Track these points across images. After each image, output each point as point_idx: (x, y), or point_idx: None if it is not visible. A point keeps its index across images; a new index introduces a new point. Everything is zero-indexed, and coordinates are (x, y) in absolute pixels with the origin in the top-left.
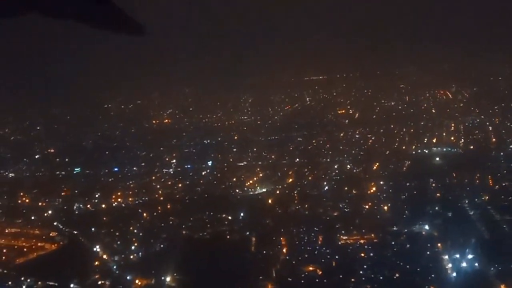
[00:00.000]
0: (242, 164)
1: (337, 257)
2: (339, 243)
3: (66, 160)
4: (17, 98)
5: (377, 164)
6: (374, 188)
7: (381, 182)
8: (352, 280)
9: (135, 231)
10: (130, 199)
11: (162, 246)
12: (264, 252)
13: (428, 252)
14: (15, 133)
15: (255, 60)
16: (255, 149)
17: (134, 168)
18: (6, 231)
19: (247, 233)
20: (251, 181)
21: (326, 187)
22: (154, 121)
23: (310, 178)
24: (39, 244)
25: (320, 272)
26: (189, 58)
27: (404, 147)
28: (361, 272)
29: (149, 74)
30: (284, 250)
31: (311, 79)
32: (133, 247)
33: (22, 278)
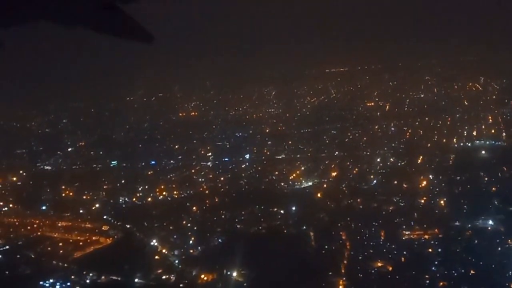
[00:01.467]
0: (280, 157)
1: (404, 252)
2: (403, 238)
3: (101, 153)
4: (38, 92)
5: (421, 157)
6: (425, 182)
7: (431, 176)
8: (426, 276)
9: (188, 225)
10: (175, 192)
11: (220, 240)
12: (326, 247)
13: (499, 248)
14: (42, 126)
15: (273, 53)
16: (290, 142)
17: (172, 161)
18: (59, 224)
19: (304, 227)
20: (294, 175)
21: (375, 181)
22: (180, 114)
23: (354, 171)
24: (93, 238)
25: (390, 268)
26: (208, 52)
27: (444, 140)
28: (433, 268)
29: (168, 68)
30: (347, 245)
31: (332, 71)
32: (191, 241)
33: (84, 272)
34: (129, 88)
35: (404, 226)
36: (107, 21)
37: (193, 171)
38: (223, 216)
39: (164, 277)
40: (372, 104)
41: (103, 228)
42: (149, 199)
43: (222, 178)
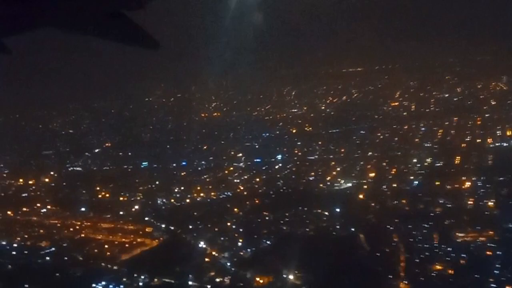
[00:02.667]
0: (313, 158)
1: (463, 255)
2: (457, 240)
3: (129, 154)
4: (56, 93)
5: (458, 158)
6: (468, 183)
7: (474, 177)
8: (491, 280)
9: (233, 226)
10: (212, 193)
11: (268, 242)
12: (380, 249)
13: None
14: (64, 127)
15: (286, 52)
16: (319, 143)
17: (203, 162)
18: (101, 226)
19: (352, 229)
20: (331, 176)
21: (416, 182)
22: (202, 115)
23: (392, 172)
24: (138, 239)
25: (451, 271)
26: (221, 52)
27: (479, 140)
28: (496, 271)
29: (183, 68)
30: (401, 248)
31: (349, 71)
32: (239, 243)
33: (135, 275)
34: (146, 89)
35: (456, 228)
36: (113, 28)
37: (226, 172)
38: (267, 218)
39: (218, 279)
40: (397, 104)
41: (146, 230)
42: (187, 200)
43: (257, 179)
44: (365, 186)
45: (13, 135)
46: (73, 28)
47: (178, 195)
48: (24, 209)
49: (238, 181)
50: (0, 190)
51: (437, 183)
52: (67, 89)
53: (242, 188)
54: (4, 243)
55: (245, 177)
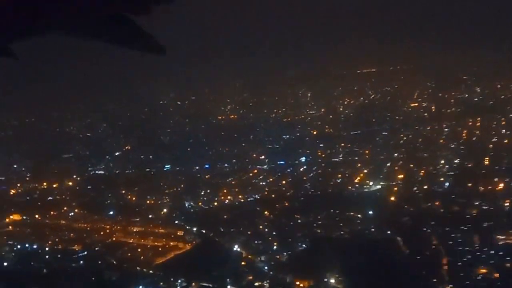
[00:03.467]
0: (338, 159)
1: (507, 258)
2: (499, 243)
3: (150, 157)
4: (68, 97)
5: (487, 158)
6: (502, 185)
7: (506, 179)
8: None
9: (266, 230)
10: (240, 196)
11: (304, 245)
12: (420, 252)
13: None
14: (81, 131)
15: (297, 53)
16: (342, 144)
17: (226, 165)
18: (133, 229)
19: (388, 232)
20: (358, 178)
21: (447, 183)
22: (219, 117)
23: (421, 173)
24: (171, 243)
25: (497, 275)
26: (232, 54)
27: (506, 141)
28: None
29: (194, 71)
30: (442, 251)
31: (363, 72)
32: (274, 247)
33: (172, 279)
34: (159, 92)
35: (496, 231)
36: (118, 33)
37: (251, 174)
38: (299, 221)
39: (256, 283)
40: (416, 104)
41: (178, 234)
42: (215, 203)
43: (283, 182)
44: (395, 188)
45: (30, 138)
46: (79, 33)
47: (205, 198)
48: (52, 212)
49: (264, 183)
50: (25, 193)
51: (469, 184)
52: (79, 93)
53: (269, 190)
54: (35, 246)
55: (271, 179)
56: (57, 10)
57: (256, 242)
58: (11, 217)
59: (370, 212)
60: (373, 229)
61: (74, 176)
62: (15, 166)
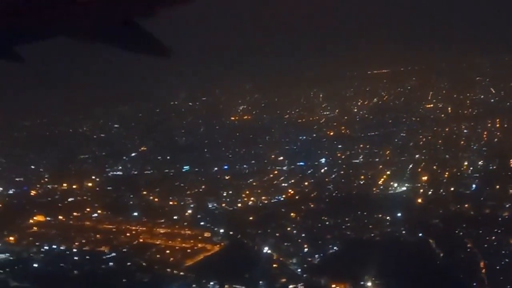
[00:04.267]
0: (358, 161)
1: None
2: None
3: (168, 158)
4: (77, 98)
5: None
6: None
7: None
8: None
9: (294, 231)
10: (263, 197)
11: (335, 248)
12: (455, 255)
13: None
14: (95, 132)
15: (308, 54)
16: (361, 145)
17: (245, 166)
18: (159, 231)
19: (420, 234)
20: (382, 179)
21: (474, 185)
22: (232, 118)
23: (445, 175)
24: (199, 245)
25: None
26: (242, 55)
27: None
28: None
29: (204, 72)
30: (479, 254)
31: (374, 73)
32: (305, 249)
33: (204, 281)
34: (171, 93)
35: None
36: (125, 36)
37: (271, 175)
38: (327, 223)
39: (290, 286)
40: (432, 106)
41: (205, 235)
42: (239, 204)
43: (306, 183)
44: (421, 190)
45: (44, 139)
46: (85, 36)
47: (228, 200)
48: (75, 213)
49: (286, 185)
50: (45, 194)
51: (497, 186)
52: (88, 94)
53: (292, 192)
54: (63, 248)
55: (292, 181)
56: (65, 14)
57: (285, 244)
58: (35, 218)
59: (399, 214)
60: (404, 231)
61: (93, 177)
62: (32, 167)
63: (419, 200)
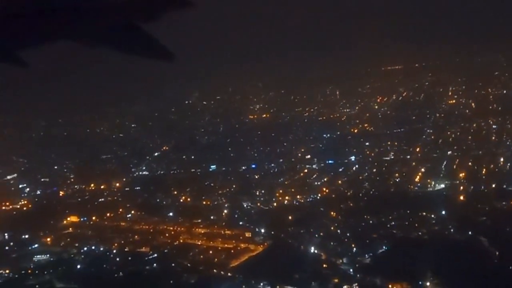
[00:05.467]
0: (389, 158)
1: None
2: None
3: (192, 157)
4: (89, 98)
5: None
6: None
7: None
8: None
9: (338, 231)
10: (298, 196)
11: (385, 247)
12: (510, 254)
13: None
14: (113, 131)
15: (318, 51)
16: (389, 143)
17: (273, 165)
18: (198, 231)
19: (469, 232)
20: (418, 177)
21: None
22: (251, 116)
23: (483, 172)
24: (242, 245)
25: None
26: (253, 54)
27: None
28: None
29: (215, 70)
30: None
31: (387, 69)
32: (354, 249)
33: (253, 281)
34: (183, 92)
35: None
36: (127, 40)
37: (301, 174)
38: (370, 222)
39: (345, 287)
40: (454, 101)
41: (246, 235)
42: (274, 204)
43: (339, 181)
44: (461, 187)
45: (63, 139)
46: (88, 40)
47: (262, 199)
48: (108, 214)
49: (319, 183)
50: (74, 195)
51: None
52: (99, 95)
53: (327, 190)
54: (102, 249)
55: (325, 179)
56: (68, 18)
57: (332, 243)
58: (68, 218)
59: (443, 212)
60: (452, 230)
61: (119, 177)
62: (55, 167)
63: (461, 198)
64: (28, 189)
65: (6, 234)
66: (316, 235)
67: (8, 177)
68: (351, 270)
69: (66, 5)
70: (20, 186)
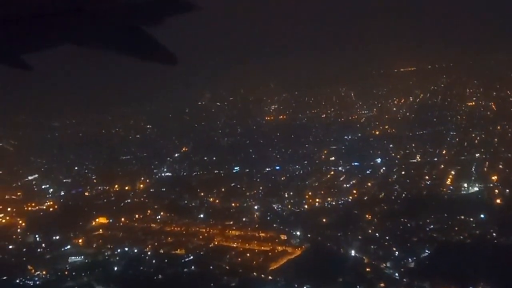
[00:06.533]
0: (415, 160)
1: None
2: None
3: (214, 158)
4: (99, 99)
5: None
6: None
7: None
8: None
9: (377, 234)
10: (329, 199)
11: (427, 251)
12: None
13: None
14: (129, 132)
15: (335, 53)
16: (413, 144)
17: (297, 166)
18: (232, 233)
19: None
20: (449, 179)
21: None
22: (267, 118)
23: None
24: (279, 248)
25: None
26: (267, 55)
27: None
28: None
29: (225, 71)
30: None
31: (400, 71)
32: (396, 252)
33: (296, 285)
34: (197, 93)
35: None
36: (131, 42)
37: (328, 176)
38: (408, 225)
39: None
40: (473, 103)
41: (281, 237)
42: (305, 206)
43: (369, 184)
44: (496, 191)
45: (79, 140)
46: (90, 44)
47: (291, 201)
48: (137, 215)
49: (348, 185)
50: (99, 196)
51: None
52: (107, 96)
53: (357, 193)
54: (136, 251)
55: (354, 181)
56: (72, 22)
57: (372, 247)
58: (97, 220)
59: (482, 216)
60: (494, 233)
61: (142, 178)
62: (75, 168)
63: (498, 201)
64: (51, 189)
65: (36, 235)
66: (355, 238)
67: (30, 177)
68: (396, 274)
69: (70, 8)
70: (43, 186)
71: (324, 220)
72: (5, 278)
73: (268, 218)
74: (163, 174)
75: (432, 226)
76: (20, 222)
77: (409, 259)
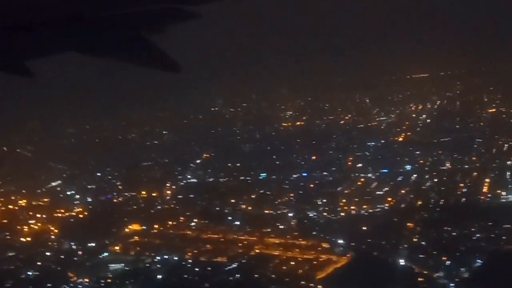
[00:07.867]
0: (446, 167)
1: None
2: None
3: (238, 164)
4: (108, 105)
5: None
6: None
7: None
8: None
9: (422, 242)
10: (365, 206)
11: (479, 260)
12: None
13: None
14: (146, 138)
15: (345, 59)
16: (439, 151)
17: (325, 173)
18: (272, 241)
19: None
20: (485, 188)
21: None
22: (284, 124)
23: None
24: (322, 256)
25: None
26: (279, 60)
27: None
28: None
29: (231, 77)
30: None
31: (412, 77)
32: (447, 262)
33: None
34: (209, 98)
35: None
36: (136, 50)
37: (359, 183)
38: (453, 233)
39: None
40: (495, 110)
41: (323, 245)
42: (342, 213)
43: (403, 191)
44: None
45: (96, 146)
46: (92, 52)
47: (326, 208)
48: (170, 222)
49: (381, 193)
50: (128, 203)
51: None
52: (117, 101)
53: (393, 201)
54: (176, 258)
55: (386, 188)
56: (75, 29)
57: (420, 256)
58: (130, 226)
59: None
60: None
61: (168, 185)
62: (98, 174)
63: None
64: (77, 196)
65: (71, 242)
66: (400, 247)
67: (53, 183)
68: (451, 284)
69: (73, 16)
70: (68, 193)
71: (364, 228)
72: (49, 285)
73: (306, 225)
74: (188, 181)
75: (478, 235)
76: (52, 228)
77: (461, 268)
